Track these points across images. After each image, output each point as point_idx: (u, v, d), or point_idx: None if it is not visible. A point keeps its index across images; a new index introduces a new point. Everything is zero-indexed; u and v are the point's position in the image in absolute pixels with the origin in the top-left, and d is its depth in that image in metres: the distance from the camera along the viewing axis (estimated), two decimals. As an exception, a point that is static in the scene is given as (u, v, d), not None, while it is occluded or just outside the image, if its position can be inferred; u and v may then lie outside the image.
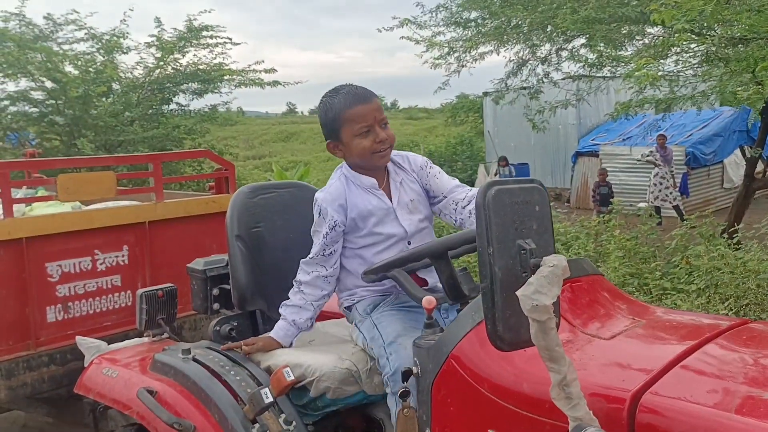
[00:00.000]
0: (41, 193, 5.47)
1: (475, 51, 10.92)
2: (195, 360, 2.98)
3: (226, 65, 13.67)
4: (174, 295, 3.74)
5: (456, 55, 11.02)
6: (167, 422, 2.75)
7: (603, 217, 9.62)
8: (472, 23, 11.03)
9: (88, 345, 3.56)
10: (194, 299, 3.50)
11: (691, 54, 8.73)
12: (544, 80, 11.48)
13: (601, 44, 9.28)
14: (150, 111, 13.46)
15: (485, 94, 21.40)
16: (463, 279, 2.47)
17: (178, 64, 13.49)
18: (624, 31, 9.53)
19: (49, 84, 12.33)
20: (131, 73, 13.73)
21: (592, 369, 1.99)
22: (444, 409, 2.20)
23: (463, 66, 11.05)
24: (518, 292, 1.69)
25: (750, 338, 2.21)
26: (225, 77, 13.56)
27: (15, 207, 4.17)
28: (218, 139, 16.10)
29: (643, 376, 1.90)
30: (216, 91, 13.79)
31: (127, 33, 13.40)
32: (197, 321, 4.66)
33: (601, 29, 8.94)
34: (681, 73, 9.41)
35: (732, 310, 6.10)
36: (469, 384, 2.12)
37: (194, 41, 13.43)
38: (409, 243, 2.78)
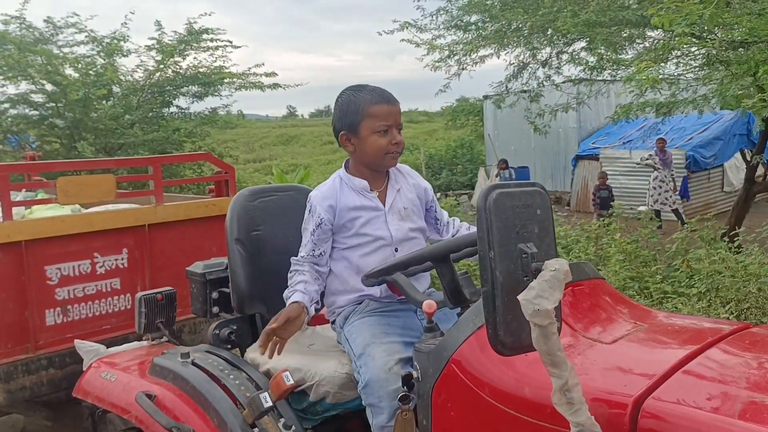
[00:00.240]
0: (41, 196, 5.46)
1: (476, 54, 10.88)
2: (194, 364, 2.97)
3: (227, 68, 13.66)
4: (173, 299, 3.73)
5: (456, 58, 11.00)
6: (166, 426, 2.74)
7: (603, 220, 9.61)
8: (473, 26, 11.01)
9: (87, 348, 3.55)
10: (194, 302, 3.49)
11: (691, 57, 8.71)
12: (545, 83, 11.46)
13: (602, 47, 9.26)
14: (150, 114, 13.44)
15: (486, 97, 21.37)
16: (464, 283, 2.46)
17: (178, 67, 13.49)
18: (624, 35, 9.51)
19: (49, 87, 12.32)
20: (131, 76, 13.72)
21: (593, 374, 1.97)
22: (444, 413, 2.18)
23: (463, 69, 11.02)
24: (520, 297, 1.67)
25: (752, 343, 2.19)
26: (225, 80, 13.55)
27: (14, 210, 4.16)
28: (218, 142, 16.07)
29: (645, 381, 1.89)
30: (216, 94, 13.78)
31: (128, 36, 13.42)
32: (197, 324, 4.65)
33: (602, 32, 8.92)
34: (682, 77, 9.40)
35: (733, 313, 6.07)
36: (469, 389, 2.10)
37: (194, 44, 13.42)
38: (396, 250, 2.78)
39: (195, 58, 13.64)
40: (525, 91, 11.76)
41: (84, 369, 3.47)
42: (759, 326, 2.40)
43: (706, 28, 7.35)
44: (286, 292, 2.75)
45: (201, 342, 3.56)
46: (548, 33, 10.08)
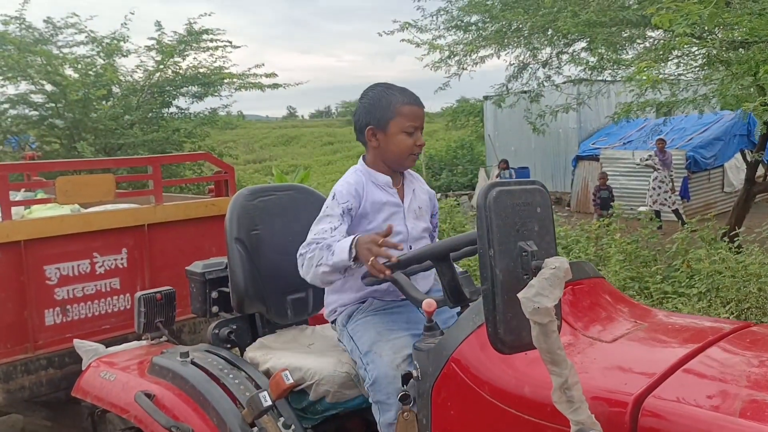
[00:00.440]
0: (40, 195, 5.45)
1: (476, 54, 10.88)
2: (193, 363, 2.97)
3: (226, 69, 13.65)
4: (172, 298, 3.72)
5: (457, 58, 10.99)
6: (165, 426, 2.73)
7: (603, 220, 9.60)
8: (473, 27, 11.01)
9: (86, 348, 3.55)
10: (193, 302, 3.48)
11: (691, 57, 8.71)
12: (545, 84, 11.45)
13: (602, 47, 9.25)
14: (150, 114, 13.44)
15: (486, 97, 21.38)
16: (464, 282, 2.45)
17: (178, 67, 13.48)
18: (625, 35, 9.51)
19: (49, 87, 12.32)
20: (131, 76, 13.72)
21: (594, 372, 1.97)
22: (444, 412, 2.18)
23: (463, 69, 11.02)
24: (519, 295, 1.67)
25: (753, 341, 2.19)
26: (225, 80, 13.54)
27: (14, 209, 4.15)
28: (218, 143, 16.07)
29: (645, 380, 1.88)
30: (216, 94, 13.78)
31: (128, 36, 13.41)
32: (196, 324, 4.64)
33: (602, 32, 8.91)
34: (682, 77, 9.39)
35: (733, 313, 6.08)
36: (469, 387, 2.10)
37: (194, 44, 13.42)
38: (410, 247, 2.77)
39: (195, 58, 13.65)
40: (525, 92, 11.75)
41: (83, 368, 3.46)
42: (759, 325, 2.39)
43: (706, 28, 7.34)
44: (324, 257, 2.55)
45: (201, 342, 3.55)
46: (548, 33, 10.08)
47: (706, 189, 17.70)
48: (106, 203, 4.84)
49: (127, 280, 4.49)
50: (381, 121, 2.75)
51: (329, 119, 70.29)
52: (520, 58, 11.18)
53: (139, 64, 13.69)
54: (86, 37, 13.26)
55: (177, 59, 13.34)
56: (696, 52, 8.47)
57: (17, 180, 6.15)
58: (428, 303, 2.30)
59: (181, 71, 13.49)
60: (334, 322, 2.87)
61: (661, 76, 8.27)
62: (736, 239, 8.42)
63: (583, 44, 10.19)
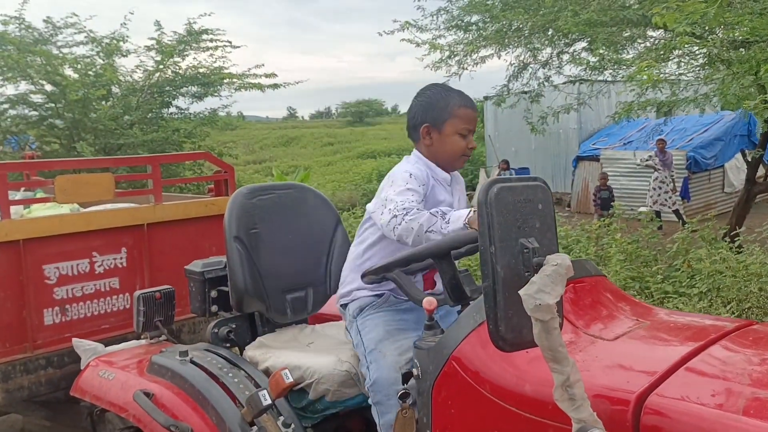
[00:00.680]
0: (39, 195, 5.44)
1: (476, 54, 10.88)
2: (192, 362, 2.96)
3: (226, 69, 13.64)
4: (171, 297, 3.71)
5: (457, 58, 10.99)
6: (164, 425, 2.72)
7: (604, 220, 9.59)
8: (473, 26, 11.00)
9: (85, 347, 3.54)
10: (192, 301, 3.47)
11: (692, 57, 8.70)
12: (545, 84, 11.44)
13: (603, 47, 9.24)
14: (150, 114, 13.41)
15: (486, 98, 21.36)
16: (465, 280, 2.44)
17: (177, 67, 13.46)
18: (625, 35, 9.51)
19: (48, 87, 12.31)
20: (131, 76, 13.69)
21: (595, 370, 1.95)
22: (445, 411, 2.16)
23: (464, 69, 11.01)
24: (521, 292, 1.66)
25: (755, 340, 2.18)
26: (225, 81, 13.52)
27: (13, 209, 4.14)
28: (218, 143, 16.04)
29: (647, 378, 1.87)
30: (216, 94, 13.75)
31: (127, 36, 13.39)
32: (196, 324, 4.62)
33: (603, 32, 8.91)
34: (683, 76, 9.39)
35: (734, 313, 6.07)
36: (470, 386, 2.08)
37: (194, 44, 13.40)
38: None
39: (194, 58, 13.63)
40: (525, 92, 11.75)
41: (82, 368, 3.45)
42: (761, 323, 2.38)
43: (707, 28, 7.34)
44: (436, 224, 2.45)
45: (200, 341, 3.54)
46: (549, 33, 10.07)
47: (706, 189, 17.69)
48: (105, 202, 4.82)
49: (126, 279, 4.47)
50: (437, 121, 2.77)
51: (329, 120, 70.36)
52: (521, 58, 11.19)
53: (139, 64, 13.69)
54: (86, 37, 13.25)
55: (177, 59, 13.32)
56: (697, 52, 8.47)
57: (16, 179, 6.12)
58: (428, 301, 2.28)
59: (180, 71, 13.47)
60: (344, 306, 2.84)
61: (661, 76, 8.26)
62: (736, 239, 8.41)
63: (583, 44, 10.19)
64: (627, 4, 8.99)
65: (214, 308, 3.40)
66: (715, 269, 6.84)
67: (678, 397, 1.79)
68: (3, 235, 3.95)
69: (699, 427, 1.70)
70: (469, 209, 2.44)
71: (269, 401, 2.52)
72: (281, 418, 2.62)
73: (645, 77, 7.15)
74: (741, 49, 7.53)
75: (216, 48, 13.59)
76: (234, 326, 3.23)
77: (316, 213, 3.36)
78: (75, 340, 3.64)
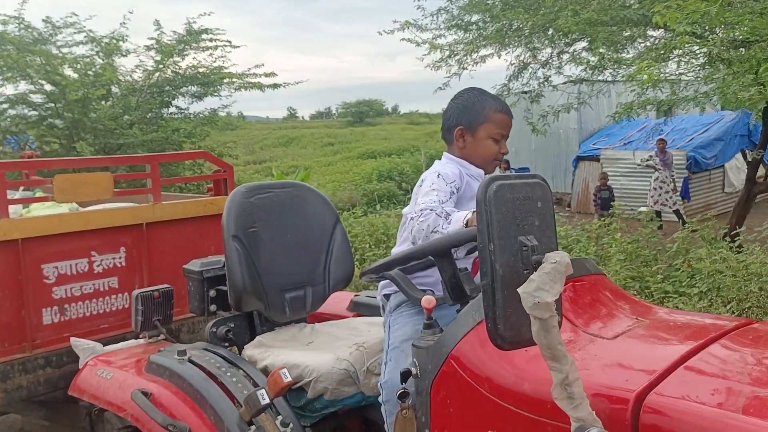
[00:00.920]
0: (38, 194, 5.43)
1: (476, 54, 10.88)
2: (191, 361, 2.95)
3: (226, 68, 13.62)
4: (170, 296, 3.70)
5: (457, 57, 10.98)
6: (162, 424, 2.71)
7: (604, 220, 9.59)
8: (473, 26, 11.00)
9: (83, 347, 3.53)
10: (191, 301, 3.47)
11: (692, 56, 8.70)
12: (545, 84, 11.44)
13: (603, 47, 9.24)
14: (149, 114, 13.39)
15: (486, 98, 21.30)
16: (464, 279, 2.43)
17: (177, 67, 13.43)
18: (626, 34, 9.51)
19: (48, 87, 12.27)
20: (130, 76, 13.66)
21: (594, 369, 1.94)
22: (443, 410, 2.16)
23: (464, 69, 11.01)
24: (520, 289, 1.65)
25: (755, 338, 2.17)
26: (224, 80, 13.50)
27: (12, 208, 4.13)
28: (218, 144, 16.02)
29: (647, 377, 1.86)
30: (215, 94, 13.73)
31: (127, 36, 13.35)
32: (195, 324, 4.62)
33: (603, 32, 8.91)
34: (683, 76, 9.39)
35: (734, 313, 6.06)
36: (468, 384, 2.08)
37: (194, 44, 13.38)
38: None
39: (194, 58, 13.59)
40: (525, 92, 11.74)
41: (80, 367, 3.44)
42: (761, 322, 2.37)
43: (707, 27, 7.33)
44: (440, 224, 2.48)
45: (199, 341, 3.53)
46: (549, 33, 10.06)
47: (706, 189, 17.68)
48: (104, 202, 4.82)
49: (125, 279, 4.47)
50: (472, 124, 2.79)
51: (329, 120, 70.42)
52: (521, 58, 11.18)
53: (139, 63, 13.65)
54: (85, 36, 13.22)
55: (176, 59, 13.30)
56: (697, 51, 8.46)
57: (16, 179, 6.11)
58: (427, 300, 2.28)
59: (180, 71, 13.44)
60: (387, 297, 2.81)
61: (662, 76, 8.26)
62: (737, 239, 8.41)
63: (583, 44, 10.19)
64: (627, 4, 8.99)
65: (212, 308, 3.40)
66: (715, 269, 6.83)
67: (677, 396, 1.78)
68: (2, 235, 3.95)
69: (698, 425, 1.70)
70: (469, 211, 2.44)
71: (267, 400, 2.51)
72: (279, 417, 2.61)
73: (645, 77, 7.14)
74: (741, 49, 7.52)
75: (216, 48, 13.56)
76: (233, 325, 3.22)
77: (314, 212, 3.35)
78: (73, 340, 3.64)
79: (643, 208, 13.43)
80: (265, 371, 2.81)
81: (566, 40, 10.22)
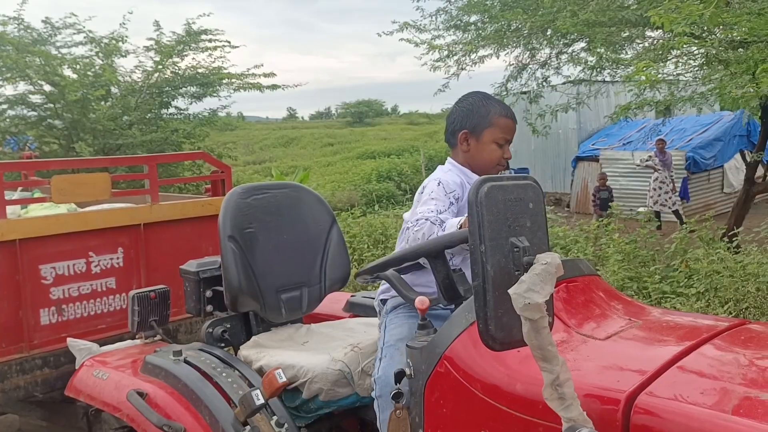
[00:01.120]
0: (36, 195, 5.44)
1: (475, 54, 10.88)
2: (186, 362, 2.95)
3: (225, 69, 13.63)
4: (167, 297, 3.71)
5: (456, 58, 10.98)
6: (157, 424, 2.72)
7: (602, 221, 9.59)
8: (472, 27, 11.00)
9: (80, 347, 3.54)
10: (187, 301, 3.47)
11: (690, 57, 8.70)
12: (544, 84, 11.44)
13: (601, 47, 9.24)
14: (149, 115, 13.39)
15: (485, 98, 21.30)
16: (458, 279, 2.43)
17: (176, 67, 13.44)
18: (624, 35, 9.50)
19: (47, 88, 12.28)
20: (130, 76, 13.65)
21: (586, 369, 1.95)
22: (437, 410, 2.16)
23: (462, 69, 11.00)
24: (510, 290, 1.65)
25: (748, 339, 2.18)
26: (224, 81, 13.51)
27: (10, 208, 4.13)
28: (218, 144, 16.02)
29: (638, 377, 1.87)
30: (215, 94, 13.73)
31: (126, 37, 13.34)
32: (192, 324, 4.62)
33: (601, 32, 8.90)
34: (681, 76, 9.39)
35: (732, 313, 6.07)
36: (462, 385, 2.08)
37: (193, 45, 13.38)
38: None
39: (193, 58, 13.60)
40: (524, 93, 11.74)
41: (76, 368, 3.45)
42: (755, 323, 2.38)
43: (705, 28, 7.33)
44: (435, 232, 2.49)
45: (196, 341, 3.54)
46: (547, 33, 10.07)
47: (705, 190, 17.69)
48: (102, 202, 4.82)
49: (122, 279, 4.47)
50: (476, 128, 2.81)
51: (329, 120, 70.35)
52: (519, 59, 11.17)
53: (138, 64, 13.64)
54: (84, 37, 13.22)
55: (175, 59, 13.30)
56: (695, 52, 8.46)
57: (14, 179, 6.12)
58: (420, 301, 2.28)
59: (179, 71, 13.45)
60: (383, 302, 2.83)
61: (660, 76, 8.26)
62: (735, 239, 8.41)
63: (582, 44, 10.19)
64: (625, 5, 8.99)
65: (209, 308, 3.40)
66: (712, 269, 6.84)
67: (668, 397, 1.79)
68: (-1, 235, 3.96)
69: (689, 426, 1.70)
70: (462, 217, 2.46)
71: (262, 401, 2.52)
72: (274, 418, 2.61)
73: (643, 77, 7.14)
74: (739, 50, 7.52)
75: (215, 48, 13.57)
76: (228, 326, 3.23)
77: (311, 212, 3.36)
78: (70, 340, 3.64)
79: (641, 209, 13.43)
80: (261, 372, 2.82)
81: (565, 41, 10.22)
